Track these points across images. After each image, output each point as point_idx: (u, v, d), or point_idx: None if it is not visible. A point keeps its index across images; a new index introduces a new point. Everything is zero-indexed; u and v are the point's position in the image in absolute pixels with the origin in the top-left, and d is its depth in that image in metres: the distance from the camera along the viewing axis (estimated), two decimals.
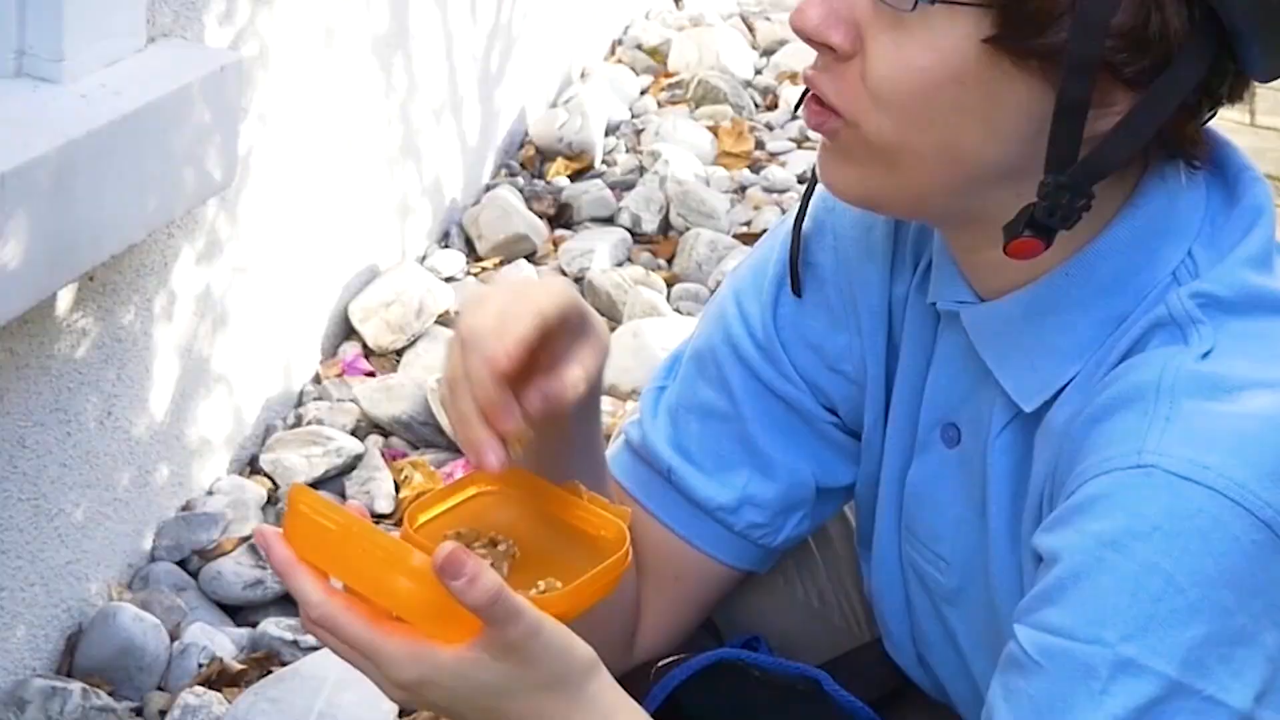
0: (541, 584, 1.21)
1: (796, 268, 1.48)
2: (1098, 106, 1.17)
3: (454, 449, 2.74)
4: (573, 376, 1.27)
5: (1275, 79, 1.23)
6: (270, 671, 2.21)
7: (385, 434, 2.78)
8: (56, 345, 2.06)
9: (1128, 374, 1.21)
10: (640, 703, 1.49)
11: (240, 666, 2.25)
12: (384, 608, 1.14)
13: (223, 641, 2.28)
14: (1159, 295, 1.24)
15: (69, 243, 1.87)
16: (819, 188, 1.49)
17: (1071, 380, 1.27)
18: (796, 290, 1.48)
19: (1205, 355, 1.18)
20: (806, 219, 1.51)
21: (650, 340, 2.98)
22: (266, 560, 1.17)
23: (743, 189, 3.79)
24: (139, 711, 2.19)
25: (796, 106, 1.33)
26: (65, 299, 2.06)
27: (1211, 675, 1.10)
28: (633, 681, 1.52)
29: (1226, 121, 1.28)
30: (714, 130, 4.02)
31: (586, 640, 1.42)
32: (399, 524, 2.57)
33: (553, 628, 1.13)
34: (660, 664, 1.53)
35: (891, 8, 1.18)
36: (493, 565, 1.22)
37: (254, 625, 2.34)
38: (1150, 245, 1.26)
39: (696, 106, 4.17)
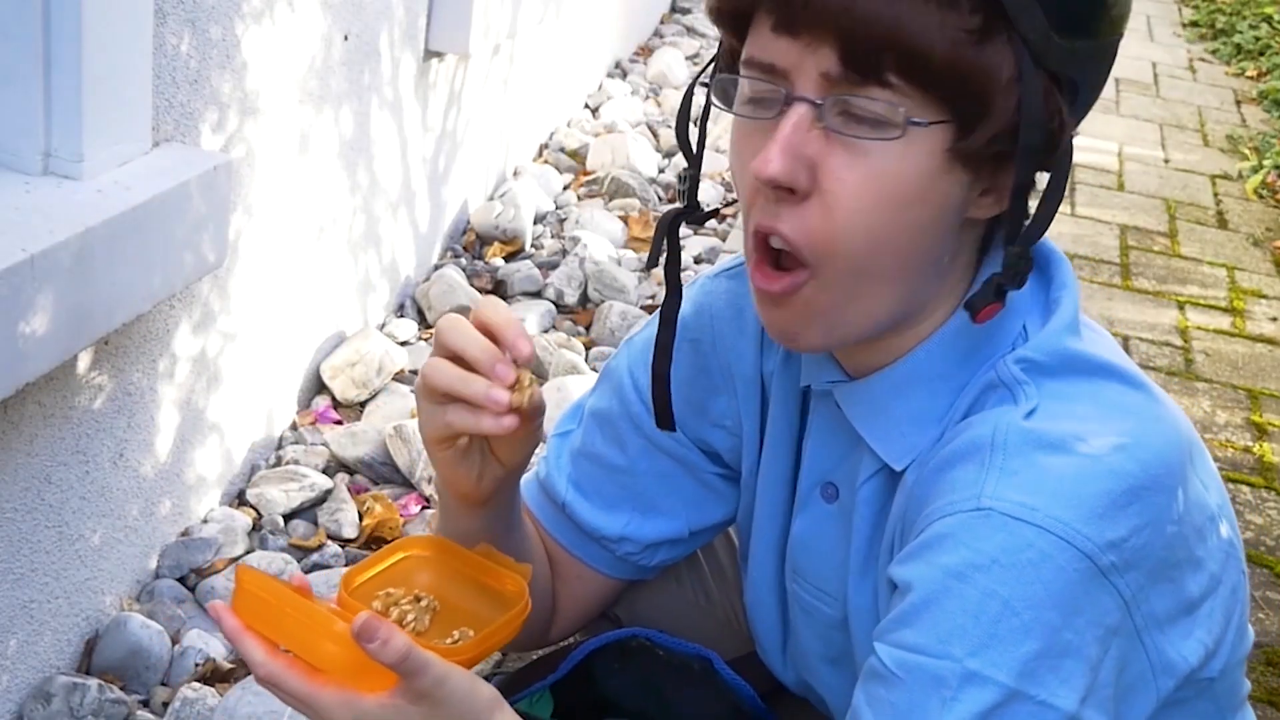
0: (456, 633, 1.23)
1: (665, 399, 1.42)
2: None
3: (408, 484, 2.76)
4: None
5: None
6: None
7: (351, 472, 2.78)
8: (77, 398, 2.06)
9: (967, 430, 1.19)
10: (558, 667, 1.52)
11: (230, 665, 2.25)
12: (317, 666, 1.15)
13: (216, 645, 2.28)
14: (995, 363, 1.23)
15: (87, 313, 1.87)
16: (701, 279, 1.50)
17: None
18: (665, 424, 1.43)
19: (1031, 413, 1.17)
20: (688, 303, 1.47)
21: (573, 393, 2.99)
22: (220, 629, 1.17)
23: (649, 268, 3.82)
24: (146, 704, 2.18)
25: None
26: (84, 360, 2.06)
27: (1043, 683, 1.10)
28: (553, 655, 1.56)
29: None
30: (625, 219, 4.05)
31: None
32: (364, 546, 2.59)
33: (458, 675, 1.13)
34: (576, 639, 1.56)
35: (874, 140, 1.11)
36: (416, 618, 1.25)
37: None
38: (993, 323, 1.23)
39: (610, 199, 4.19)
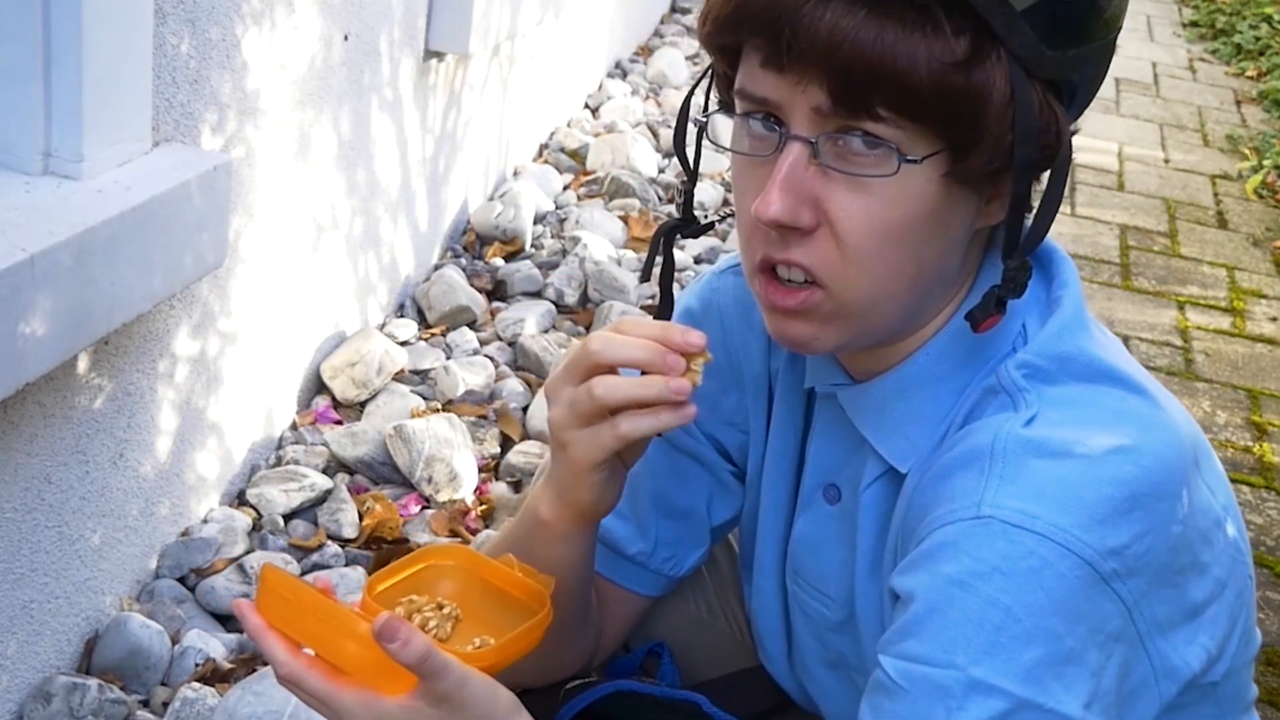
0: (477, 640, 1.23)
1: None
2: None
3: (408, 484, 2.76)
4: None
5: None
6: (255, 670, 2.20)
7: (351, 472, 2.78)
8: (77, 398, 2.06)
9: (967, 438, 1.20)
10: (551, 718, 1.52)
11: (230, 666, 2.25)
12: (338, 666, 1.15)
13: (215, 645, 2.28)
14: (996, 365, 1.23)
15: (87, 313, 1.87)
16: (707, 276, 1.51)
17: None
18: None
19: (1030, 421, 1.17)
20: (694, 299, 1.50)
21: None
22: (243, 626, 1.18)
23: (643, 280, 3.80)
24: (146, 704, 2.18)
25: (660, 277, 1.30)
26: (84, 360, 2.06)
27: (1048, 690, 1.09)
28: (544, 700, 1.56)
29: None
30: (625, 219, 4.04)
31: (568, 652, 1.46)
32: (364, 546, 2.59)
33: (478, 679, 1.14)
34: (567, 687, 1.54)
35: (870, 177, 1.13)
36: (438, 624, 1.25)
37: (242, 631, 2.31)
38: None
39: (610, 199, 4.18)
